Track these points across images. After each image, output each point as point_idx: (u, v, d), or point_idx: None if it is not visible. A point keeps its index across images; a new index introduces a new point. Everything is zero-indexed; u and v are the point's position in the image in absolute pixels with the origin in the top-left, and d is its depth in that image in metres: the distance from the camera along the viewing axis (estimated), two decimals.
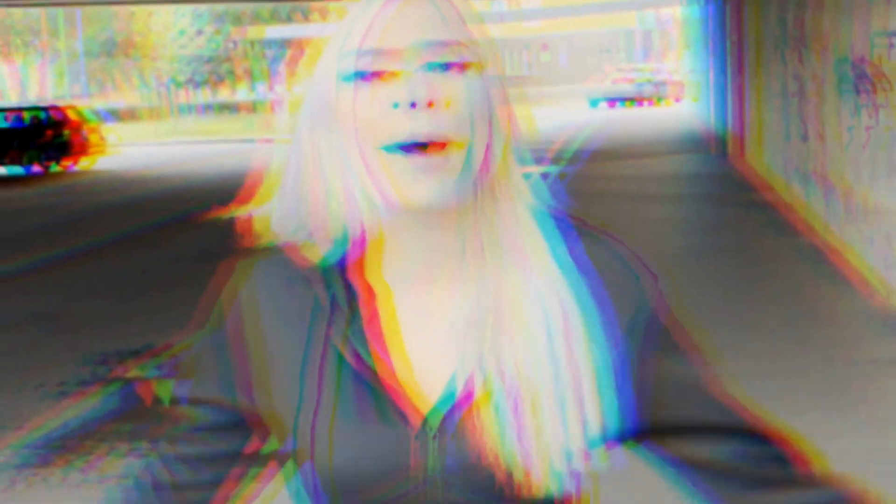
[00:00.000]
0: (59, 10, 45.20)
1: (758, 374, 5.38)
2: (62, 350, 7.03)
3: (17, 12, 46.91)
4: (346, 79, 1.00)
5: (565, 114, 34.71)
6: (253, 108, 51.75)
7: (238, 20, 51.63)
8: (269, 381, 1.10)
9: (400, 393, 1.04)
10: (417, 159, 0.96)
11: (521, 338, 1.02)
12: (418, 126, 0.96)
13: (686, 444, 1.10)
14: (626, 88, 42.29)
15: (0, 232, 14.03)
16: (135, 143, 34.26)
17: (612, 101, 41.71)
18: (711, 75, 22.42)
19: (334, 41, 1.03)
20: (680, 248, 9.23)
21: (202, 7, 45.66)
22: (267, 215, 1.10)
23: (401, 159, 0.97)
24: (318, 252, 1.07)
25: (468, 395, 1.02)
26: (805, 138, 10.29)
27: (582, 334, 1.03)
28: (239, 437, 1.19)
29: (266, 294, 1.11)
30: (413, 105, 0.95)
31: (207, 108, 56.16)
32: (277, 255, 1.11)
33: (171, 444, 1.25)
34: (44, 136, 23.83)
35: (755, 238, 9.60)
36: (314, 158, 1.04)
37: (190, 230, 12.96)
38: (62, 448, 5.07)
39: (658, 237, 9.64)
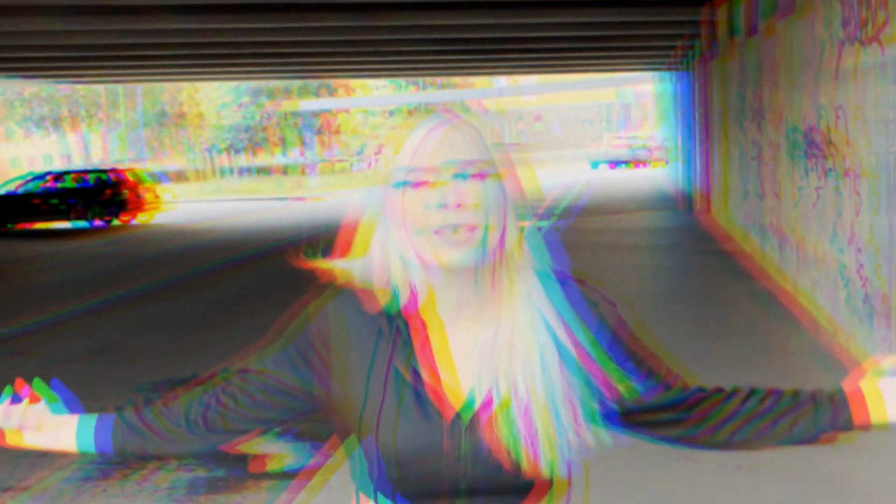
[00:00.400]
0: (119, 86, 45.62)
1: None
2: (120, 379, 7.05)
3: (83, 88, 47.36)
4: (397, 185, 1.31)
5: (557, 176, 34.82)
6: (284, 170, 51.98)
7: (273, 94, 52.02)
8: (346, 380, 1.36)
9: (442, 399, 1.32)
10: (447, 238, 1.27)
11: (523, 363, 1.30)
12: (449, 219, 1.27)
13: (646, 416, 1.40)
14: (623, 152, 42.94)
15: (69, 277, 14.09)
16: (182, 201, 34.41)
17: (613, 164, 42.40)
18: (680, 142, 22.53)
19: (393, 157, 1.33)
20: (652, 291, 9.26)
21: (242, 82, 46.01)
22: (349, 268, 1.41)
23: (434, 238, 1.28)
24: (382, 297, 1.36)
25: (488, 404, 1.31)
26: (762, 196, 10.34)
27: (566, 359, 1.33)
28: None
29: (347, 317, 1.38)
30: (443, 206, 1.27)
31: (246, 171, 56.41)
32: (353, 294, 1.39)
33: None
34: (105, 194, 23.99)
35: (718, 282, 9.62)
36: (384, 234, 1.35)
37: (230, 276, 13.01)
38: (120, 464, 5.09)
39: (633, 281, 9.68)
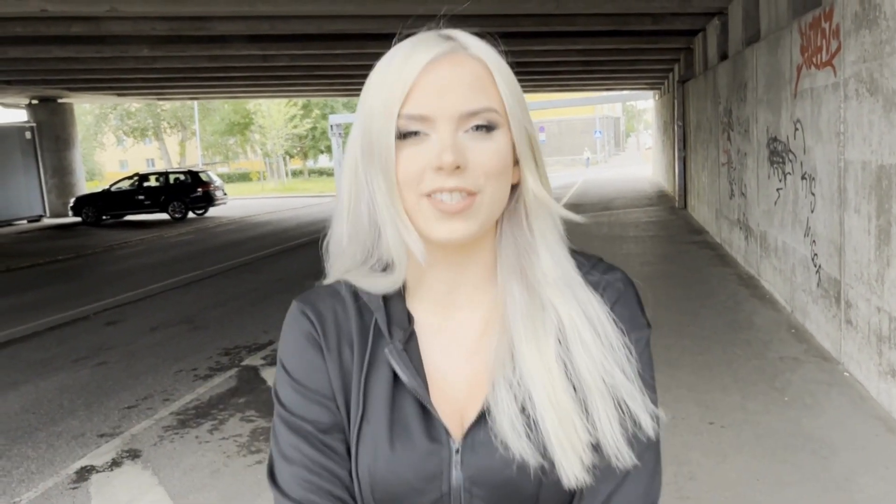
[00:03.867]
0: (196, 102, 45.86)
1: (695, 365, 5.37)
2: (196, 345, 7.11)
3: (165, 103, 47.63)
4: (384, 136, 0.83)
5: (559, 177, 34.68)
6: (331, 172, 52.05)
7: (320, 108, 52.06)
8: (338, 386, 0.89)
9: (434, 411, 0.85)
10: (441, 206, 0.82)
11: (530, 351, 0.85)
12: (444, 183, 0.81)
13: None
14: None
15: (153, 260, 14.21)
16: (245, 197, 34.58)
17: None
18: (664, 149, 22.37)
19: (376, 97, 0.84)
20: (641, 274, 9.20)
21: (294, 99, 46.13)
22: (334, 250, 0.94)
23: (427, 206, 0.83)
24: (366, 284, 0.90)
25: (484, 413, 0.85)
26: (732, 195, 10.26)
27: (596, 342, 0.85)
28: None
29: (325, 318, 0.91)
30: (440, 168, 0.81)
31: (298, 172, 56.54)
32: (336, 288, 0.93)
33: None
34: (181, 192, 24.21)
35: (691, 268, 9.56)
36: (366, 196, 0.88)
37: (288, 258, 13.08)
38: (196, 415, 5.13)
39: (626, 266, 9.59)
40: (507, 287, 0.89)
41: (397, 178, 0.83)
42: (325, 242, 0.94)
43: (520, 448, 0.82)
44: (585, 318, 0.86)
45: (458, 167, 0.81)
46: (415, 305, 0.91)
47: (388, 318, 0.89)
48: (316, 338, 0.89)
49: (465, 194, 0.82)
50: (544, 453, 0.82)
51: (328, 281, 0.94)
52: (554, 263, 0.89)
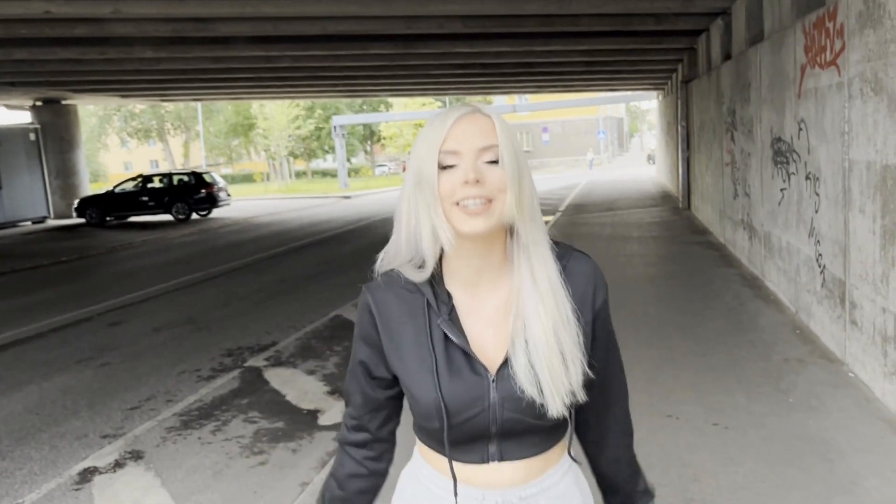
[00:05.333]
0: (200, 103, 45.89)
1: (699, 366, 5.35)
2: (198, 346, 7.11)
3: (169, 104, 47.71)
4: (432, 165, 1.27)
5: (563, 178, 34.65)
6: (334, 173, 52.04)
7: (324, 108, 52.09)
8: (399, 349, 1.35)
9: (473, 355, 1.31)
10: (467, 210, 1.26)
11: (533, 320, 1.29)
12: (468, 192, 1.25)
13: None
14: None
15: (157, 261, 14.22)
16: (249, 198, 34.59)
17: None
18: (667, 150, 22.33)
19: (423, 144, 1.30)
20: (640, 274, 9.19)
21: (299, 99, 46.12)
22: (393, 250, 1.37)
23: (458, 211, 1.26)
24: (412, 274, 1.34)
25: (509, 358, 1.30)
26: (736, 196, 10.23)
27: (570, 318, 1.31)
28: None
29: (384, 297, 1.36)
30: (465, 182, 1.25)
31: (301, 173, 56.55)
32: (387, 276, 1.37)
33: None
34: (185, 193, 24.22)
35: (695, 268, 9.53)
36: (415, 214, 1.31)
37: (291, 259, 13.07)
38: (199, 416, 5.13)
39: (629, 266, 9.60)
40: (519, 273, 1.32)
41: (439, 194, 1.27)
42: (385, 249, 1.37)
43: (528, 388, 1.29)
44: (559, 302, 1.31)
45: (477, 181, 1.25)
46: (451, 288, 1.35)
47: (436, 298, 1.33)
48: (374, 312, 1.36)
49: (484, 201, 1.26)
50: (541, 393, 1.28)
51: (383, 269, 1.37)
52: (542, 259, 1.32)
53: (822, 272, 5.87)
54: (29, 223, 24.08)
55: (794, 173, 6.79)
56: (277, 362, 6.35)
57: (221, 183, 25.56)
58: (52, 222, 24.38)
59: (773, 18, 7.68)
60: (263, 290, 10.06)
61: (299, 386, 5.68)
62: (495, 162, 1.27)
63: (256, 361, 6.41)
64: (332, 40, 13.54)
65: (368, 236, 16.09)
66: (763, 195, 8.28)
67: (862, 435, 4.08)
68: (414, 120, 44.76)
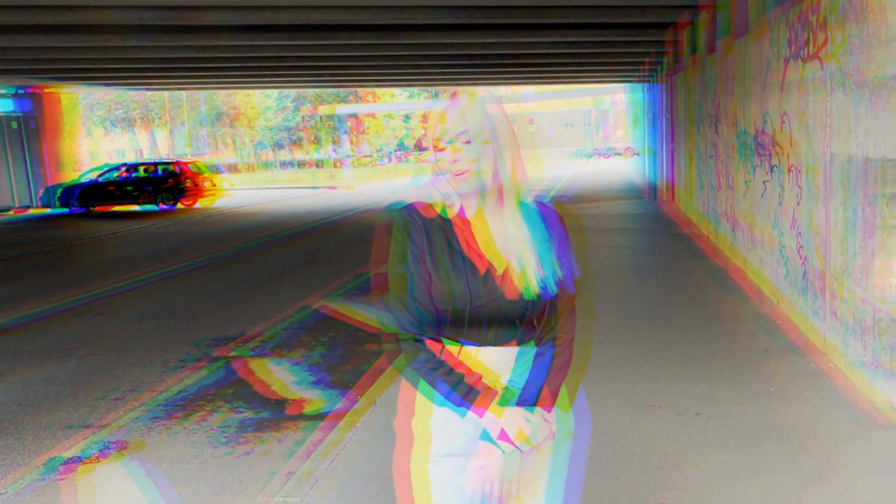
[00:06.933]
0: (183, 93, 45.52)
1: (681, 356, 5.38)
2: (182, 335, 7.07)
3: (153, 93, 47.29)
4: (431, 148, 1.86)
5: (548, 169, 34.73)
6: (317, 164, 51.82)
7: (310, 100, 51.83)
8: (426, 255, 1.84)
9: (481, 260, 1.83)
10: (453, 178, 1.84)
11: (522, 243, 1.84)
12: (452, 166, 1.82)
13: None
14: (603, 148, 52.57)
15: (140, 251, 14.12)
16: (235, 189, 34.39)
17: (607, 155, 51.15)
18: (648, 142, 22.39)
19: (430, 127, 1.85)
20: (625, 265, 9.23)
21: (285, 90, 45.87)
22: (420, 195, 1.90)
23: (450, 177, 1.84)
24: (438, 208, 1.88)
25: (508, 265, 1.83)
26: (717, 188, 10.28)
27: (544, 244, 1.86)
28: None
29: (413, 219, 1.87)
30: (449, 161, 1.83)
31: (287, 164, 56.27)
32: (417, 207, 1.88)
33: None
34: (170, 183, 24.05)
35: (679, 260, 9.59)
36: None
37: (275, 250, 13.02)
38: (182, 406, 5.10)
39: (610, 258, 9.64)
40: (507, 214, 1.86)
41: (440, 167, 1.86)
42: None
43: (520, 289, 1.81)
44: (539, 234, 1.87)
45: (455, 160, 1.82)
46: (471, 216, 1.87)
47: (451, 223, 1.87)
48: (408, 229, 1.86)
49: (461, 172, 1.82)
50: (526, 294, 1.81)
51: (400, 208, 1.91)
52: (519, 207, 1.88)
53: (803, 264, 5.92)
54: (11, 212, 23.85)
55: (776, 165, 6.83)
56: (263, 352, 6.34)
57: (209, 172, 25.34)
58: (34, 211, 24.15)
59: (758, 11, 7.71)
60: (249, 279, 10.01)
61: (285, 376, 5.67)
62: (466, 142, 1.80)
63: (242, 351, 6.39)
64: (318, 30, 13.46)
65: (355, 227, 16.05)
66: (746, 187, 8.32)
67: (841, 423, 4.13)
68: (406, 111, 44.68)
